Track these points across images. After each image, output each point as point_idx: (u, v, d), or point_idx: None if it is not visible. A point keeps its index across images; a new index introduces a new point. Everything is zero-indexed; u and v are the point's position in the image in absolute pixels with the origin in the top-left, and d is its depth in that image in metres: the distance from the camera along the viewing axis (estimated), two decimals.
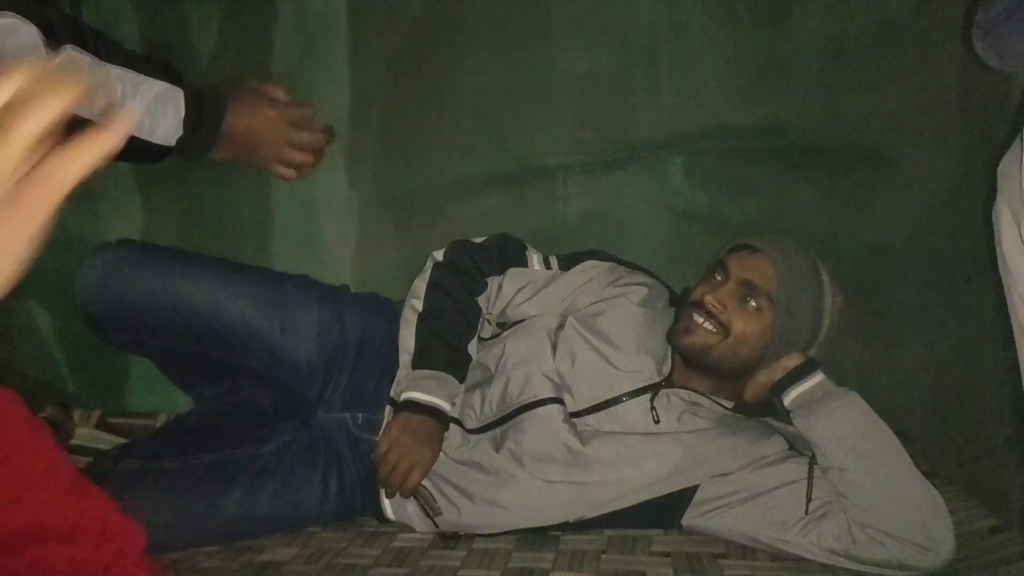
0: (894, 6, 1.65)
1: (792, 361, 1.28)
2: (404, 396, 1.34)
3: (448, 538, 1.32)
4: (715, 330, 1.28)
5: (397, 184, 1.82)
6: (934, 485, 1.18)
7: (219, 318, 1.41)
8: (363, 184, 1.82)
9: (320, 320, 1.46)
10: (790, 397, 1.27)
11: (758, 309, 1.27)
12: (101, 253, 1.42)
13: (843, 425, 1.21)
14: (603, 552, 1.25)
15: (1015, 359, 1.10)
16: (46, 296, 1.80)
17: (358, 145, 1.81)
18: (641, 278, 1.46)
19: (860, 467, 1.19)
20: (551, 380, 1.35)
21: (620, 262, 1.49)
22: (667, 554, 1.24)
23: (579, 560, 1.23)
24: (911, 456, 1.20)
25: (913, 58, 1.63)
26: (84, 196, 1.82)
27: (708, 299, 1.28)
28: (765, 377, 1.30)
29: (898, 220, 1.66)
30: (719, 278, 1.31)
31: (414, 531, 1.35)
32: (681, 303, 1.38)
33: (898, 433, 1.22)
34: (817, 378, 1.27)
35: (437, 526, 1.32)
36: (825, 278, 1.31)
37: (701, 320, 1.29)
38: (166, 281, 1.40)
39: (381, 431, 1.38)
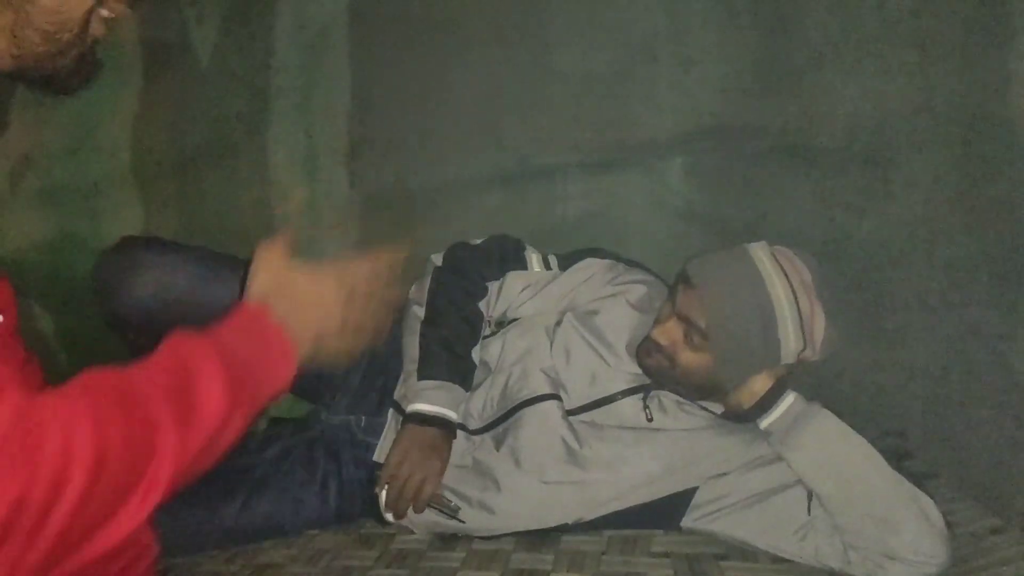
0: (894, 6, 1.64)
1: (758, 384, 1.24)
2: (410, 408, 1.33)
3: (447, 539, 1.32)
4: (665, 360, 1.28)
5: (397, 183, 1.82)
6: (934, 486, 1.17)
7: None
8: (363, 184, 1.82)
9: None
10: (762, 425, 1.24)
11: (698, 346, 1.25)
12: (126, 250, 1.32)
13: (818, 452, 1.19)
14: (603, 553, 1.25)
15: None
16: (46, 297, 1.81)
17: (358, 145, 1.81)
18: (640, 275, 1.45)
19: (841, 494, 1.17)
20: (548, 376, 1.36)
21: (619, 259, 1.49)
22: (667, 555, 1.24)
23: (579, 561, 1.23)
24: (910, 457, 1.20)
25: (913, 58, 1.63)
26: (84, 196, 1.84)
27: (654, 332, 1.29)
28: (735, 400, 1.27)
29: (898, 220, 1.66)
30: (669, 307, 1.30)
31: (413, 533, 1.35)
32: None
33: (898, 434, 1.21)
34: (786, 403, 1.22)
35: (463, 522, 1.31)
36: (781, 299, 1.21)
37: (654, 348, 1.29)
38: (201, 283, 1.30)
39: (382, 438, 1.38)
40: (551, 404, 1.33)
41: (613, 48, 1.73)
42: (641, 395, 1.34)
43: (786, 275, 1.22)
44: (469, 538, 1.32)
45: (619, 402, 1.34)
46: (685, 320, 1.26)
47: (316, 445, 1.41)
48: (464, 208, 1.80)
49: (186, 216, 1.85)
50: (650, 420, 1.32)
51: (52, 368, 1.79)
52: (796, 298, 1.22)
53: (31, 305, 1.81)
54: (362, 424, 1.43)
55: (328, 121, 1.81)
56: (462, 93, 1.78)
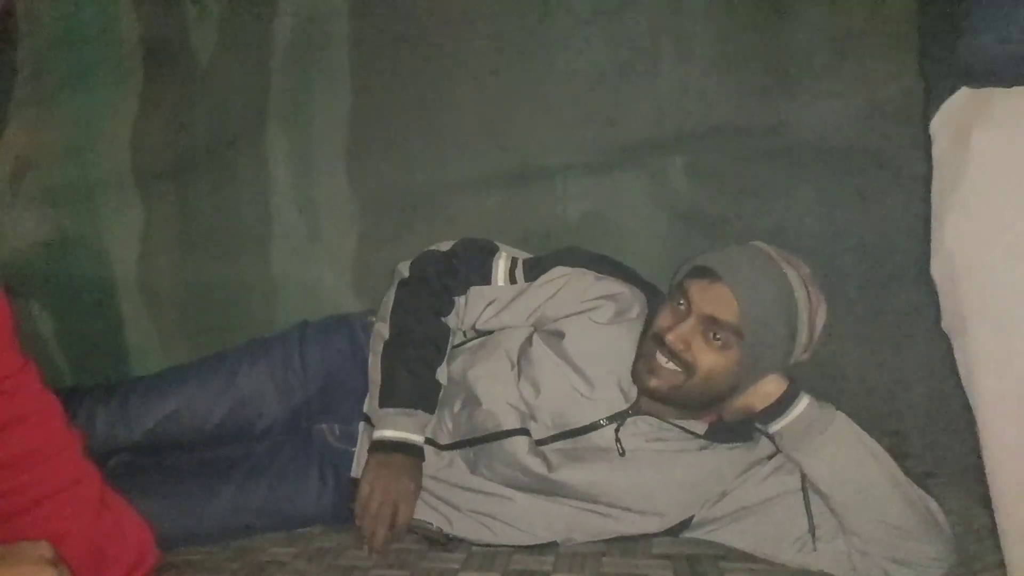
0: (894, 5, 1.64)
1: (771, 386, 1.20)
2: (375, 436, 1.31)
3: (451, 539, 1.32)
4: (680, 369, 1.19)
5: (397, 184, 1.81)
6: (934, 485, 1.18)
7: (190, 427, 1.44)
8: (363, 184, 1.82)
9: (273, 373, 1.47)
10: (773, 429, 1.20)
11: (724, 344, 1.17)
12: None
13: (834, 460, 1.16)
14: (603, 555, 1.26)
15: None
16: (46, 298, 1.80)
17: (358, 145, 1.81)
18: (610, 287, 1.35)
19: (855, 500, 1.15)
20: (516, 409, 1.31)
21: (591, 263, 1.38)
22: (667, 556, 1.24)
23: (579, 563, 1.23)
24: (910, 457, 1.20)
25: (913, 57, 1.63)
26: (84, 196, 1.83)
27: (670, 338, 1.19)
28: (743, 403, 1.22)
29: (898, 220, 1.66)
30: (681, 307, 1.21)
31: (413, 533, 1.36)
32: (646, 330, 1.28)
33: (896, 433, 1.21)
34: (801, 406, 1.18)
35: (448, 539, 1.31)
36: (798, 290, 1.18)
37: (664, 360, 1.20)
38: (128, 422, 1.42)
39: (358, 449, 1.38)
40: (519, 440, 1.30)
41: (614, 48, 1.73)
42: (614, 426, 1.28)
43: (795, 269, 1.20)
44: (468, 542, 1.32)
45: (591, 433, 1.29)
46: (709, 318, 1.17)
47: (308, 446, 1.42)
48: (464, 208, 1.79)
49: (185, 216, 1.85)
50: (622, 454, 1.27)
51: (52, 370, 1.81)
52: (808, 292, 1.19)
53: (31, 306, 1.81)
54: (336, 432, 1.43)
55: (328, 121, 1.81)
56: (463, 93, 1.77)
